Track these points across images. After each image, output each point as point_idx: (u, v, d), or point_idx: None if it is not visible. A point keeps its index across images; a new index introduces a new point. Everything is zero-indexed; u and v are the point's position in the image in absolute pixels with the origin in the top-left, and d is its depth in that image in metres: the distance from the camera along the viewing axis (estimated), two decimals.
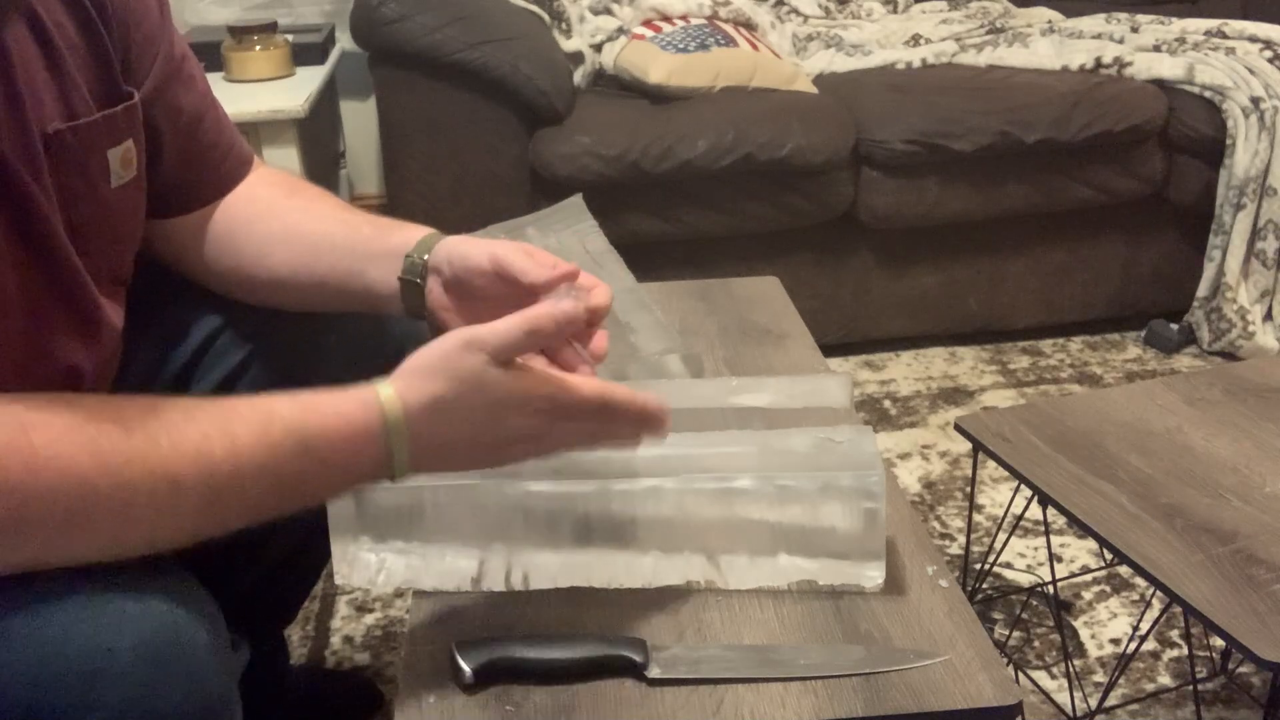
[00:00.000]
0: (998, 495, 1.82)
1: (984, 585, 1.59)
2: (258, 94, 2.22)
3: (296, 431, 0.72)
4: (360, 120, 2.84)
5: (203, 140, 0.98)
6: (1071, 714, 1.36)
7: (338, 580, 0.88)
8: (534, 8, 2.33)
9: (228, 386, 1.02)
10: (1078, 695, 1.39)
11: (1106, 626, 1.53)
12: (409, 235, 0.93)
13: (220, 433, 0.70)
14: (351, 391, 0.75)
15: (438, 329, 0.91)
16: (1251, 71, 2.22)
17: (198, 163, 0.98)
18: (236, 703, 0.73)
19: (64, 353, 0.82)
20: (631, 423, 0.81)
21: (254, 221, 0.99)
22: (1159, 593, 0.97)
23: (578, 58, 2.34)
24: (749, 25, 2.46)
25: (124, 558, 0.68)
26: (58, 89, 0.80)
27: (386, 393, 0.74)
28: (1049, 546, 1.28)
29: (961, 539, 1.72)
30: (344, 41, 2.55)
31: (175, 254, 1.01)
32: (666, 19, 2.37)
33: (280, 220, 0.98)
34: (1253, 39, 2.35)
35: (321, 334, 1.03)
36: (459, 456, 0.78)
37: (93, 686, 0.64)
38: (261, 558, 1.17)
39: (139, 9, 0.88)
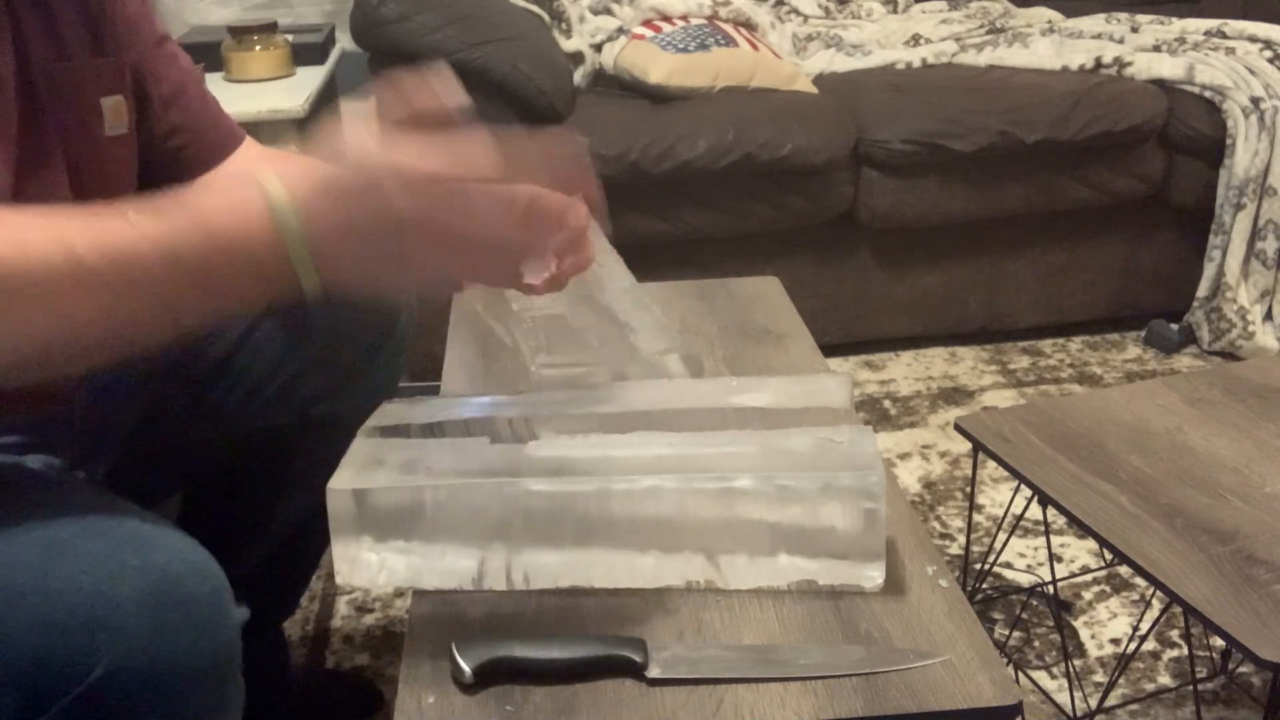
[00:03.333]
0: (998, 495, 1.82)
1: (984, 585, 1.59)
2: (258, 94, 2.22)
3: (187, 209, 0.69)
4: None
5: (187, 111, 1.05)
6: (1071, 714, 1.36)
7: (338, 580, 0.88)
8: (534, 8, 2.33)
9: (228, 358, 1.08)
10: (1078, 695, 1.39)
11: (1106, 626, 1.53)
12: None
13: (113, 211, 0.68)
14: (241, 191, 0.71)
15: None
16: (1251, 71, 2.22)
17: (183, 132, 1.04)
18: (238, 654, 0.74)
19: None
20: (551, 226, 0.75)
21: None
22: (1159, 593, 0.97)
23: (578, 58, 2.34)
24: (749, 25, 2.46)
25: (47, 350, 0.67)
26: (47, 30, 0.88)
27: (269, 177, 0.70)
28: (1049, 546, 1.28)
29: (961, 539, 1.72)
30: (344, 41, 2.55)
31: None
32: (666, 19, 2.37)
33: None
34: (1253, 39, 2.35)
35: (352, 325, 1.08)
36: (363, 248, 0.71)
37: (97, 636, 0.65)
38: (262, 540, 1.17)
39: None
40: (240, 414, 1.10)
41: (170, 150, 1.03)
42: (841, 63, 2.48)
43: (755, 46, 2.33)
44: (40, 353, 0.67)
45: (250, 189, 0.69)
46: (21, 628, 0.65)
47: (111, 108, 0.93)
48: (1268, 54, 2.27)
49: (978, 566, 1.61)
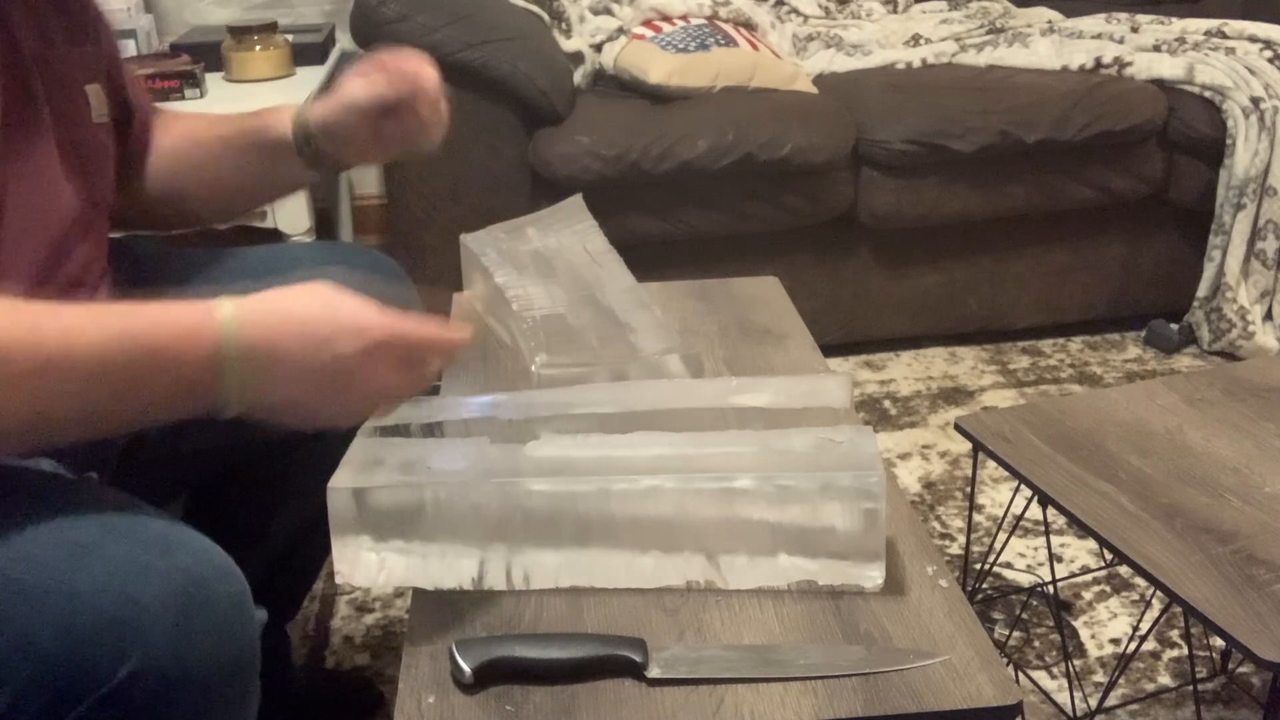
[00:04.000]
0: (998, 495, 1.82)
1: (984, 585, 1.59)
2: (258, 94, 2.22)
3: (128, 318, 0.72)
4: None
5: (134, 90, 1.11)
6: (1071, 714, 1.36)
7: (338, 580, 0.88)
8: (534, 8, 2.33)
9: None
10: (1078, 695, 1.39)
11: (1106, 626, 1.53)
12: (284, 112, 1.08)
13: (51, 314, 0.70)
14: (195, 302, 0.75)
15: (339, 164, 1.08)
16: (1251, 71, 2.22)
17: (132, 112, 1.11)
18: (258, 656, 0.75)
19: None
20: (440, 356, 0.83)
21: (164, 137, 1.13)
22: (1159, 593, 0.97)
23: (578, 58, 2.34)
24: (749, 25, 2.46)
25: None
26: (31, 18, 0.91)
27: (223, 301, 0.75)
28: (1049, 546, 1.28)
29: (961, 539, 1.72)
30: (344, 41, 2.55)
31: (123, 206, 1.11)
32: (666, 19, 2.37)
33: (182, 122, 1.15)
34: (1253, 39, 2.35)
35: None
36: (294, 376, 0.76)
37: (123, 637, 0.66)
38: (263, 545, 1.17)
39: None
40: (240, 418, 1.09)
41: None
42: (841, 63, 2.48)
43: (755, 46, 2.33)
44: None
45: (203, 315, 0.73)
46: (48, 629, 0.66)
47: (95, 94, 0.96)
48: (1268, 54, 2.27)
49: (978, 566, 1.61)
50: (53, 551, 0.68)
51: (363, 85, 1.03)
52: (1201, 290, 2.30)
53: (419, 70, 1.04)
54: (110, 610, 0.66)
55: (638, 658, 0.78)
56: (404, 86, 1.03)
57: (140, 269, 1.09)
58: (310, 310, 0.76)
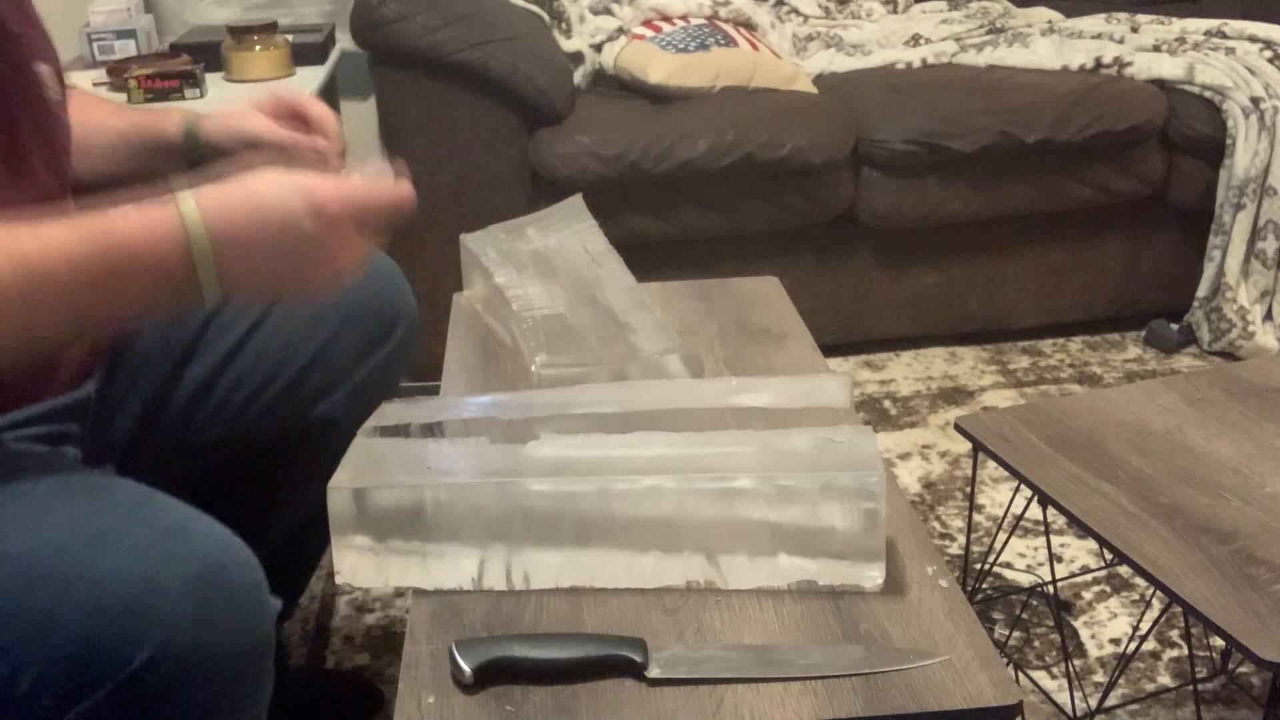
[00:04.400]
0: (998, 495, 1.82)
1: (984, 585, 1.59)
2: (258, 94, 2.22)
3: (102, 222, 0.74)
4: (360, 120, 2.84)
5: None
6: (1071, 714, 1.36)
7: (338, 580, 0.88)
8: (534, 8, 2.33)
9: (230, 358, 1.10)
10: (1078, 695, 1.39)
11: (1106, 626, 1.53)
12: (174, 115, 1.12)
13: (30, 231, 0.72)
14: (155, 200, 0.77)
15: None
16: (1251, 71, 2.22)
17: None
18: (273, 645, 0.76)
19: None
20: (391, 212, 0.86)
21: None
22: (1159, 593, 0.97)
23: (578, 58, 2.34)
24: (749, 25, 2.46)
25: None
26: None
27: (184, 195, 0.77)
28: (1049, 546, 1.28)
29: (961, 539, 1.72)
30: (344, 41, 2.55)
31: None
32: (666, 19, 2.37)
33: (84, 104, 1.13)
34: (1253, 39, 2.35)
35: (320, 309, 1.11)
36: (261, 253, 0.78)
37: (144, 620, 0.67)
38: (261, 543, 1.17)
39: None
40: (242, 414, 1.10)
41: None
42: (841, 63, 2.48)
43: (755, 46, 2.33)
44: None
45: (167, 209, 0.76)
46: (70, 612, 0.67)
47: (48, 75, 0.96)
48: (1268, 54, 2.27)
49: (978, 566, 1.61)
50: (75, 539, 0.69)
51: (263, 124, 1.09)
52: (1201, 290, 2.30)
53: (324, 132, 1.13)
54: (131, 595, 0.67)
55: (638, 658, 0.78)
56: (303, 144, 1.10)
57: None
58: (269, 195, 0.78)
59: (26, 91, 0.93)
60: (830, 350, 2.27)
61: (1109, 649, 1.49)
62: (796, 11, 2.74)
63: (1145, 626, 1.51)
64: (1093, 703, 1.37)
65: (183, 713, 0.71)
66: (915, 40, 2.54)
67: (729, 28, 2.36)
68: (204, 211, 0.76)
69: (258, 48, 2.27)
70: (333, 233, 0.80)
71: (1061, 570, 1.64)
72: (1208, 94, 2.22)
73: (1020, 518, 1.32)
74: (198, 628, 0.69)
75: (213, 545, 0.72)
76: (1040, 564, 1.66)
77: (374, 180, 0.87)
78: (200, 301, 0.77)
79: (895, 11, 2.81)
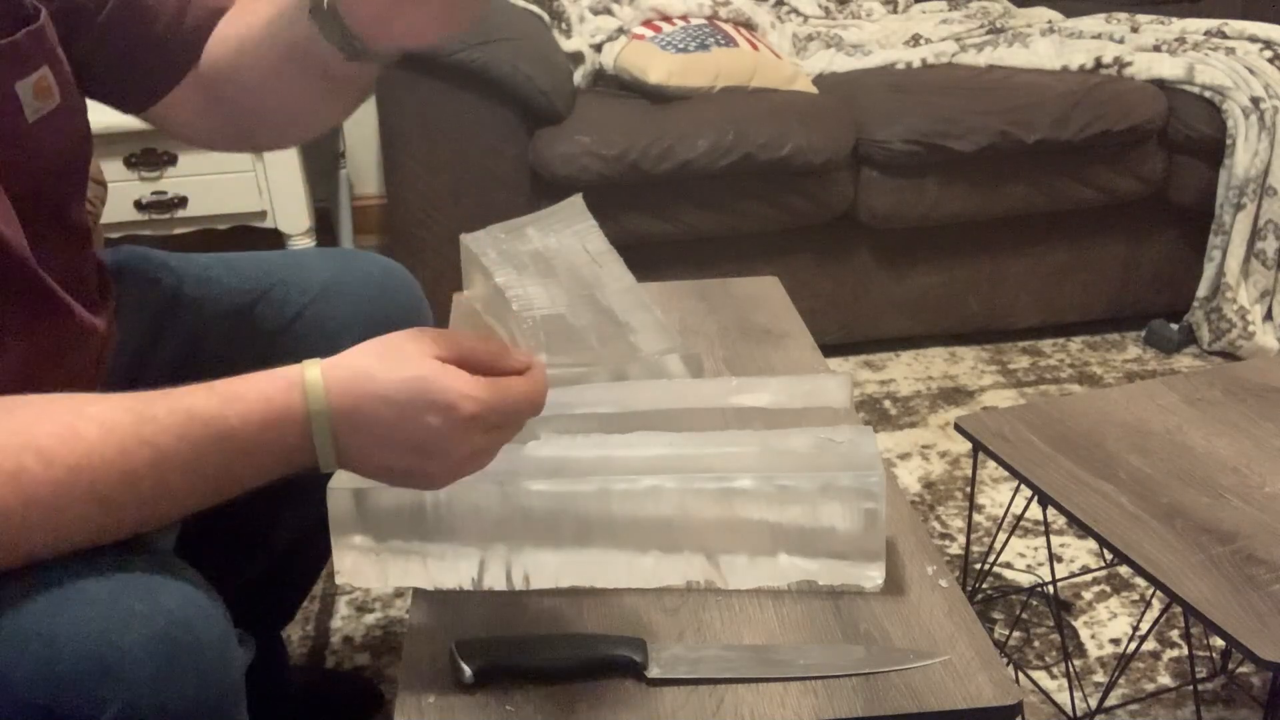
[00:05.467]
0: (998, 495, 1.82)
1: (984, 585, 1.59)
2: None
3: (216, 424, 0.71)
4: (360, 120, 2.84)
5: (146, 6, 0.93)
6: (1071, 714, 1.36)
7: (338, 580, 0.88)
8: (534, 8, 2.33)
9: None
10: (1078, 695, 1.39)
11: (1106, 626, 1.53)
12: None
13: (139, 444, 0.69)
14: (279, 371, 0.73)
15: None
16: (1251, 71, 2.22)
17: (154, 35, 0.94)
18: (243, 698, 0.73)
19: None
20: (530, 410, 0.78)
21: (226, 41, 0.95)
22: (1159, 593, 0.97)
23: (578, 58, 2.34)
24: (749, 25, 2.46)
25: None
26: None
27: (311, 369, 0.73)
28: (1049, 546, 1.28)
29: (961, 539, 1.72)
30: None
31: (188, 128, 0.99)
32: (666, 19, 2.37)
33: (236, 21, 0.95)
34: (1253, 39, 2.35)
35: (339, 316, 1.07)
36: (386, 448, 0.74)
37: (104, 684, 0.64)
38: (260, 556, 1.17)
39: None
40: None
41: (148, 60, 0.94)
42: (841, 63, 2.48)
43: (755, 46, 2.33)
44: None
45: (292, 388, 0.72)
46: (26, 674, 0.64)
47: (33, 88, 0.83)
48: (1268, 54, 2.27)
49: (978, 566, 1.61)
50: (33, 593, 0.66)
51: None
52: (1201, 290, 2.30)
53: None
54: (90, 656, 0.64)
55: (638, 658, 0.78)
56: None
57: (147, 283, 1.06)
58: (400, 380, 0.73)
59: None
60: (830, 350, 2.27)
61: (1109, 649, 1.49)
62: (796, 11, 2.74)
63: (1145, 626, 1.51)
64: (1093, 703, 1.37)
65: None
66: (915, 40, 2.54)
67: (729, 28, 2.35)
68: (329, 397, 0.72)
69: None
70: (466, 431, 0.74)
71: (1061, 570, 1.64)
72: (1208, 94, 2.22)
73: (1020, 518, 1.32)
74: (160, 688, 0.66)
75: (176, 599, 0.69)
76: (1040, 564, 1.66)
77: (518, 372, 0.77)
78: (315, 470, 0.75)
79: (895, 11, 2.81)
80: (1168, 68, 2.27)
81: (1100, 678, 1.43)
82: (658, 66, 2.18)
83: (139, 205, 2.20)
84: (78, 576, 0.68)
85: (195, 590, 0.71)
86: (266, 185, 2.21)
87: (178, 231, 2.28)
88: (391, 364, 0.73)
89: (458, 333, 0.77)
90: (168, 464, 0.69)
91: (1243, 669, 1.43)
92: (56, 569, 0.68)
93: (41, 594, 0.66)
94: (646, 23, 2.37)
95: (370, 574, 0.87)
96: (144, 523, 0.70)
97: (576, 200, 1.37)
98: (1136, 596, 1.58)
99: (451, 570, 0.87)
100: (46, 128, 0.84)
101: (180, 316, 1.06)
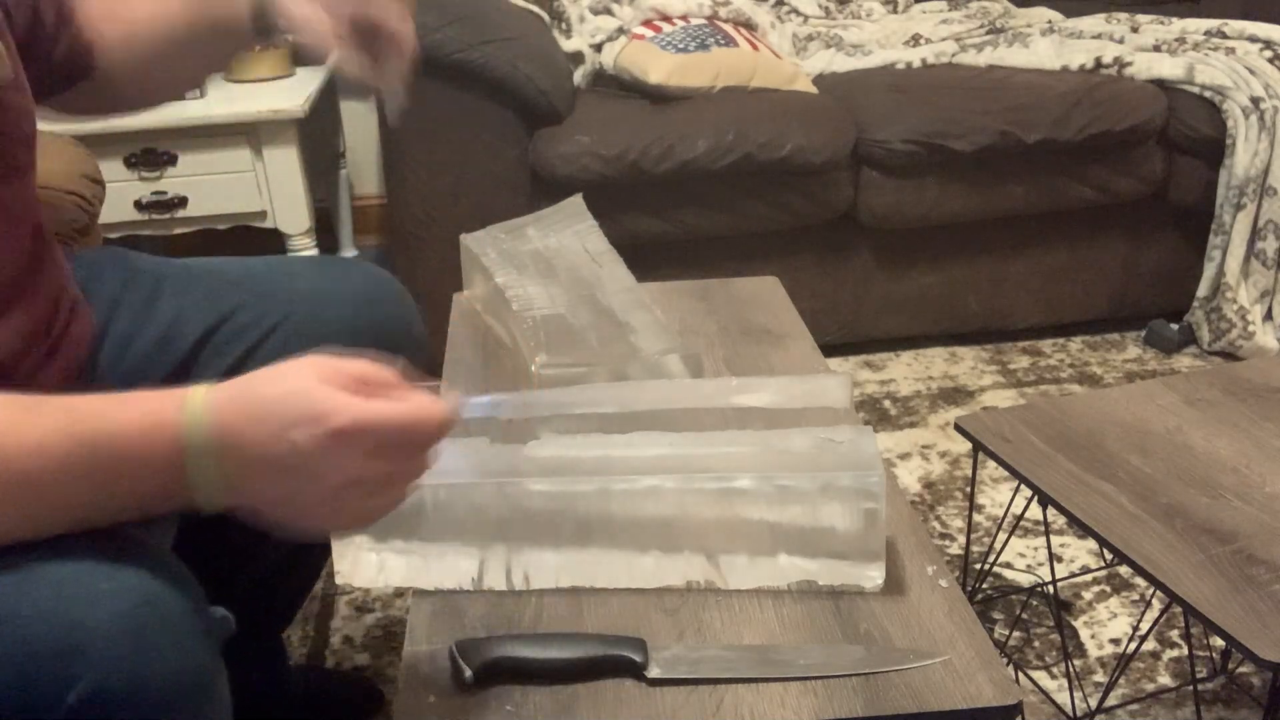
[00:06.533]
0: (998, 495, 1.82)
1: (984, 585, 1.59)
2: (258, 94, 2.22)
3: (93, 421, 0.69)
4: (360, 120, 2.84)
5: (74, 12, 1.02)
6: (1071, 714, 1.36)
7: (338, 580, 0.88)
8: (534, 8, 2.33)
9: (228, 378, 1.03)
10: (1078, 695, 1.39)
11: (1106, 626, 1.53)
12: None
13: (26, 426, 0.68)
14: (172, 390, 0.71)
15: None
16: (1251, 71, 2.22)
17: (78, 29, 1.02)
18: (221, 671, 0.72)
19: None
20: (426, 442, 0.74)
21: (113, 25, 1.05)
22: (1159, 593, 0.97)
23: (578, 58, 2.34)
24: (749, 25, 2.46)
25: None
26: None
27: (199, 388, 0.71)
28: (1049, 546, 1.28)
29: (961, 539, 1.72)
30: None
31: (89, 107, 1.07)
32: (666, 19, 2.37)
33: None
34: (1253, 39, 2.35)
35: (323, 325, 1.05)
36: (263, 471, 0.70)
37: (71, 663, 0.64)
38: (257, 562, 1.17)
39: None
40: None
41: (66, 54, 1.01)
42: (841, 63, 2.48)
43: (755, 46, 2.33)
44: None
45: (173, 399, 0.69)
46: None
47: None
48: (1268, 54, 2.27)
49: (978, 566, 1.61)
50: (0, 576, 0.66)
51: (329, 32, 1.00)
52: (1201, 290, 2.30)
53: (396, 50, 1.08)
54: (58, 636, 0.64)
55: (638, 658, 0.78)
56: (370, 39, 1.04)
57: (133, 283, 1.06)
58: (277, 394, 0.70)
59: None
60: (830, 350, 2.27)
61: (1109, 649, 1.49)
62: (796, 11, 2.74)
63: (1145, 626, 1.51)
64: (1093, 703, 1.37)
65: None
66: (915, 40, 2.54)
67: (729, 28, 2.36)
68: (208, 412, 0.69)
69: (258, 48, 2.28)
70: (335, 453, 0.69)
71: (1061, 570, 1.64)
72: (1208, 94, 2.22)
73: (1020, 518, 1.32)
74: (131, 662, 0.65)
75: (143, 574, 0.68)
76: (1040, 564, 1.66)
77: (409, 399, 0.72)
78: (195, 507, 0.71)
79: (895, 11, 2.81)
80: (1168, 68, 2.27)
81: (1100, 678, 1.43)
82: (658, 66, 2.18)
83: (139, 205, 2.20)
84: (42, 560, 0.67)
85: (161, 565, 0.70)
86: (266, 185, 2.21)
87: (177, 231, 2.28)
88: (273, 381, 0.71)
89: (356, 361, 0.73)
90: (42, 455, 0.67)
91: (1243, 669, 1.43)
92: (19, 554, 0.67)
93: (6, 577, 0.66)
94: (646, 23, 2.37)
95: (370, 574, 0.87)
96: (19, 517, 0.68)
97: (576, 200, 1.37)
98: (1136, 596, 1.58)
99: (451, 570, 0.87)
100: (4, 95, 0.86)
101: (159, 310, 1.06)
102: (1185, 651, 1.46)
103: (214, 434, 0.69)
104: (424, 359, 1.14)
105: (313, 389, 0.69)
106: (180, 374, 1.03)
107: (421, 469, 0.74)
